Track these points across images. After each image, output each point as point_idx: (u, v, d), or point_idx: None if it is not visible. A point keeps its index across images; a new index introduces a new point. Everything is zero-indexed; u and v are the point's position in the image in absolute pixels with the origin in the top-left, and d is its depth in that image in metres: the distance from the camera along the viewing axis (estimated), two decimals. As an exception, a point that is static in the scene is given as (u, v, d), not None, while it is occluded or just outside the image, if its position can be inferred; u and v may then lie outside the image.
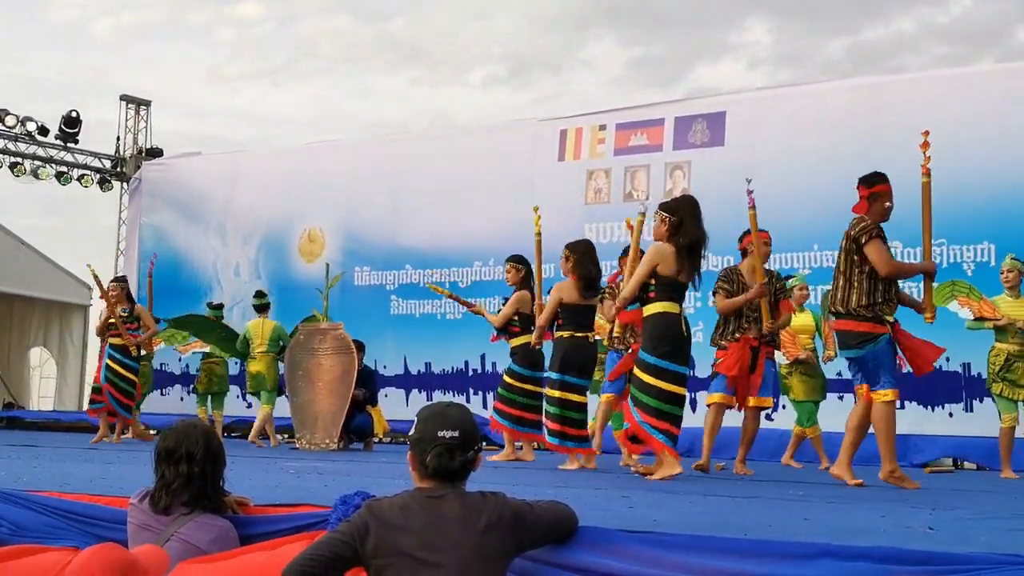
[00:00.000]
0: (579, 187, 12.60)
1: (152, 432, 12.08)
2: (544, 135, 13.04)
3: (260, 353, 11.15)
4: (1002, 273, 8.08)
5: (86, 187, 16.80)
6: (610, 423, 8.62)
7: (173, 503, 3.58)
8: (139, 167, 16.59)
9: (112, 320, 10.74)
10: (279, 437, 11.50)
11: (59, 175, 16.52)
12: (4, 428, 15.13)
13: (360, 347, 10.40)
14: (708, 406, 7.44)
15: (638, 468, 6.69)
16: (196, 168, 16.08)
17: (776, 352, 7.92)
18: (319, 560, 2.87)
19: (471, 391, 12.69)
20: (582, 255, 7.70)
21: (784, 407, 10.00)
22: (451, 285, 13.31)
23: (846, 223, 6.30)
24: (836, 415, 8.62)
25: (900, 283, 6.30)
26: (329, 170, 14.54)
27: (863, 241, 6.03)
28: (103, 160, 17.07)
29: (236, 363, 14.34)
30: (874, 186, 6.20)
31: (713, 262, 11.30)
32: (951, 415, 10.30)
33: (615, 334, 7.90)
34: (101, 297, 11.09)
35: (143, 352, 11.15)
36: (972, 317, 8.15)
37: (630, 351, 7.15)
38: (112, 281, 11.27)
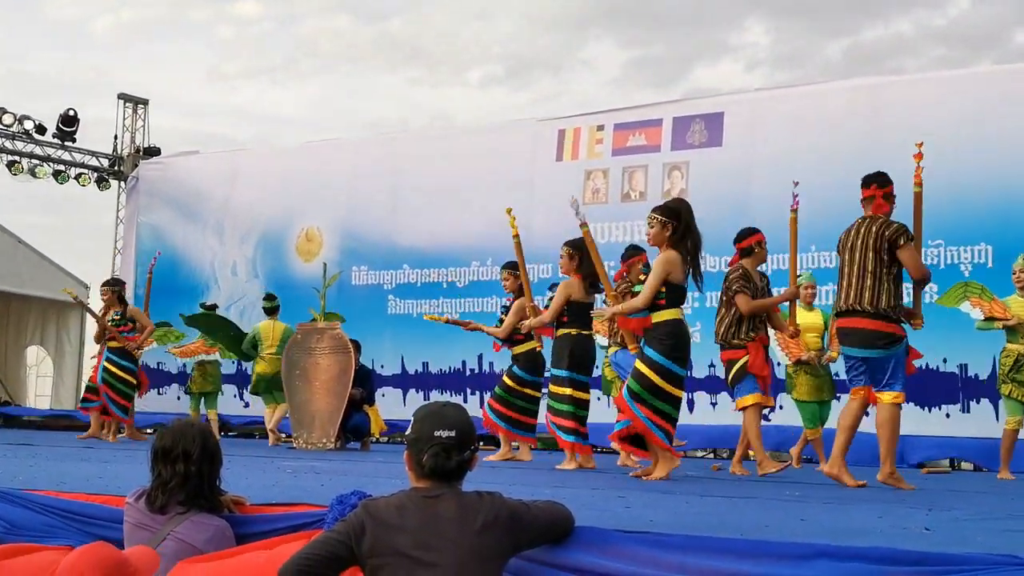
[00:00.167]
0: (577, 187, 12.59)
1: (148, 431, 12.08)
2: (542, 135, 13.04)
3: (270, 355, 11.17)
4: (1014, 273, 8.04)
5: (83, 186, 16.78)
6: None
7: (169, 502, 3.58)
8: (136, 166, 16.58)
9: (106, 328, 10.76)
10: (281, 435, 11.53)
11: (56, 174, 16.50)
12: (0, 427, 15.12)
13: (356, 346, 10.40)
14: (742, 410, 7.29)
15: (637, 472, 6.68)
16: (194, 167, 16.07)
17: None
18: (315, 559, 2.87)
19: (468, 391, 12.70)
20: (586, 252, 7.68)
21: (782, 407, 10.01)
22: (449, 285, 13.32)
23: (844, 224, 6.30)
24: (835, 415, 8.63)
25: None
26: (327, 169, 14.53)
27: (900, 243, 6.05)
28: (101, 159, 17.05)
29: (233, 363, 14.37)
30: (887, 186, 6.25)
31: (711, 263, 11.32)
32: (948, 416, 10.30)
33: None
34: (93, 317, 11.14)
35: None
36: (982, 318, 8.13)
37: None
38: (103, 286, 11.26)
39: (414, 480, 2.99)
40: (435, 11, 38.04)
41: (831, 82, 12.46)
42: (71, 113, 16.37)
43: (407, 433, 3.04)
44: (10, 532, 3.94)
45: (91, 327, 12.05)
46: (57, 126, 16.36)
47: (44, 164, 16.41)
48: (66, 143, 16.55)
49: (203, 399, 12.27)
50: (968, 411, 10.22)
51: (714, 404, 11.42)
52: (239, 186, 15.25)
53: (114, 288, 11.08)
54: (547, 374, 8.00)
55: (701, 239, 6.48)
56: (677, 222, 6.40)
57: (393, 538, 2.85)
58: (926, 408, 10.28)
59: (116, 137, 17.16)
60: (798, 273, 7.62)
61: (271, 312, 11.59)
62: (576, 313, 7.67)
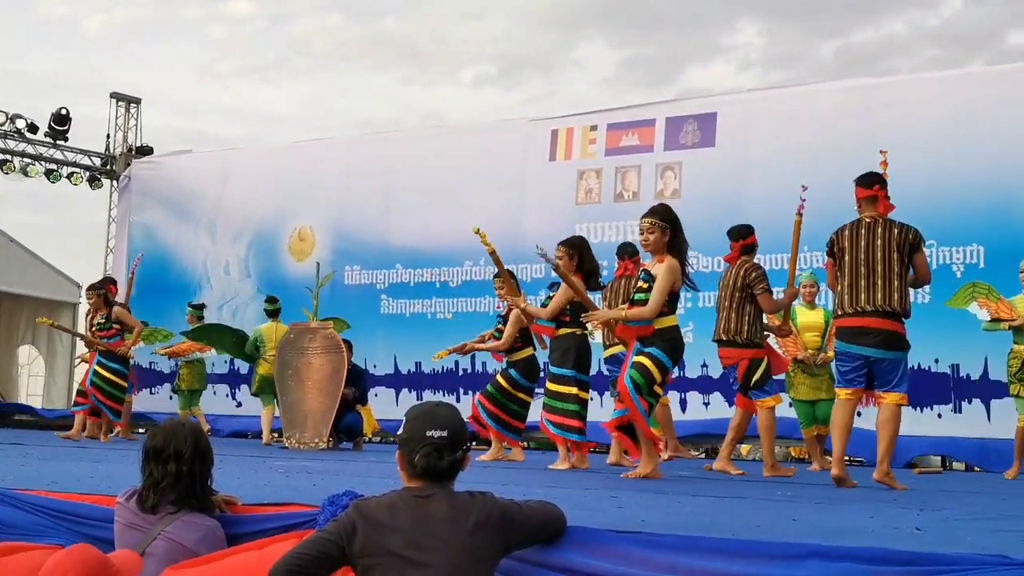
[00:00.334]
0: (570, 187, 12.61)
1: (139, 431, 12.06)
2: (535, 135, 13.05)
3: (272, 356, 11.17)
4: (1021, 272, 8.05)
5: (75, 185, 16.75)
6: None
7: (161, 502, 3.57)
8: (129, 165, 16.55)
9: (96, 333, 10.71)
10: (273, 434, 11.53)
11: (48, 172, 16.46)
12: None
13: (349, 346, 10.39)
14: (764, 410, 7.32)
15: (629, 473, 6.69)
16: (186, 166, 16.05)
17: None
18: (306, 559, 2.87)
19: (461, 391, 12.70)
20: (584, 250, 7.68)
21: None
22: (442, 285, 13.32)
23: (835, 224, 6.31)
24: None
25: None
26: (320, 169, 14.53)
27: (921, 247, 6.12)
28: (93, 158, 17.02)
29: (225, 362, 14.36)
30: (887, 186, 6.26)
31: (704, 263, 11.34)
32: (940, 416, 10.33)
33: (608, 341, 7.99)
34: (75, 335, 11.08)
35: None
36: (988, 318, 8.13)
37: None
38: (88, 289, 11.20)
39: (406, 480, 2.99)
40: (428, 10, 38.04)
41: (824, 83, 12.48)
42: (63, 112, 16.35)
43: (399, 433, 3.04)
44: (0, 531, 3.93)
45: (83, 327, 11.99)
46: (49, 125, 16.33)
47: (36, 163, 16.37)
48: (58, 142, 16.52)
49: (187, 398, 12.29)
50: (960, 411, 10.25)
51: (707, 404, 11.43)
52: (231, 185, 15.23)
53: (99, 291, 10.96)
54: (547, 373, 7.92)
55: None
56: (674, 228, 6.42)
57: (384, 538, 2.84)
58: (918, 408, 10.30)
59: (108, 136, 17.13)
60: (798, 272, 7.66)
61: (273, 314, 11.64)
62: (578, 313, 7.66)
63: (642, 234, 6.45)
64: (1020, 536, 3.32)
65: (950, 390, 10.30)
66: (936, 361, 10.28)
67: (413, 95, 38.76)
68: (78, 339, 15.72)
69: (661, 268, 6.37)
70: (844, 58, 34.65)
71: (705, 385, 11.34)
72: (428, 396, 12.88)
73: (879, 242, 6.06)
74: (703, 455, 11.90)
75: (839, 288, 6.16)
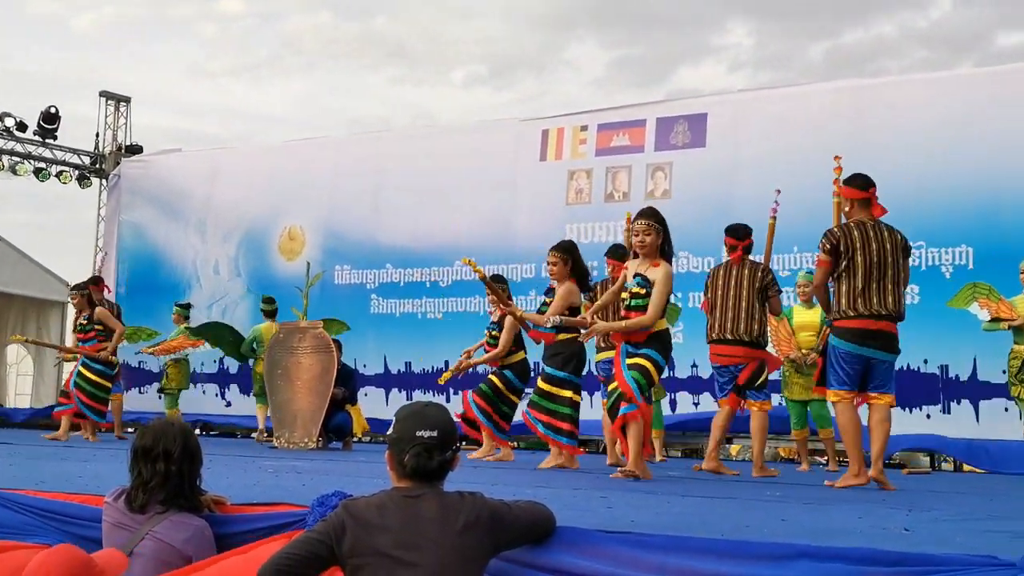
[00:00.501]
0: (561, 187, 12.61)
1: (129, 430, 12.03)
2: (526, 135, 13.04)
3: None
4: (1021, 273, 8.06)
5: (65, 183, 16.70)
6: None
7: (150, 502, 3.56)
8: (118, 164, 16.51)
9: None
10: (263, 432, 11.53)
11: (37, 171, 16.41)
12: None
13: (338, 346, 10.38)
14: (761, 412, 7.39)
15: (617, 473, 6.69)
16: (176, 165, 16.01)
17: None
18: (295, 559, 2.86)
19: (451, 391, 12.66)
20: (575, 254, 7.71)
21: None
22: (432, 285, 13.31)
23: (825, 225, 6.31)
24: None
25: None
26: (310, 168, 14.50)
27: (911, 251, 6.16)
28: (82, 156, 16.97)
29: (215, 361, 14.34)
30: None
31: (694, 263, 11.37)
32: (929, 417, 10.35)
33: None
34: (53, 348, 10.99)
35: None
36: (988, 318, 8.14)
37: None
38: (72, 289, 11.13)
39: (395, 480, 2.99)
40: (418, 10, 38.05)
41: (814, 84, 12.49)
42: (52, 110, 16.29)
43: (389, 433, 3.04)
44: (-12, 531, 3.92)
45: (73, 326, 11.92)
46: (38, 123, 16.27)
47: (25, 161, 16.32)
48: (47, 140, 16.46)
49: (167, 397, 12.28)
50: (949, 412, 10.28)
51: (696, 404, 11.44)
52: (221, 184, 15.20)
53: (82, 292, 10.89)
54: (541, 372, 7.88)
55: None
56: (665, 231, 6.44)
57: (374, 538, 2.84)
58: (907, 409, 10.32)
59: (98, 135, 17.09)
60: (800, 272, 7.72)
61: (270, 314, 11.64)
62: (574, 317, 7.71)
63: (637, 235, 6.42)
64: (1008, 536, 3.32)
65: (939, 391, 10.33)
66: (925, 362, 10.30)
67: (403, 94, 38.78)
68: (66, 339, 15.73)
69: (659, 274, 6.34)
70: (834, 59, 34.75)
71: (695, 385, 11.35)
72: (418, 396, 12.87)
73: (888, 246, 6.07)
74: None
75: (846, 288, 6.00)
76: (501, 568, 3.02)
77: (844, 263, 6.02)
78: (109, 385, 10.75)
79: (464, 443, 9.45)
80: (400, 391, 13.25)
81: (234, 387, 14.43)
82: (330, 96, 39.79)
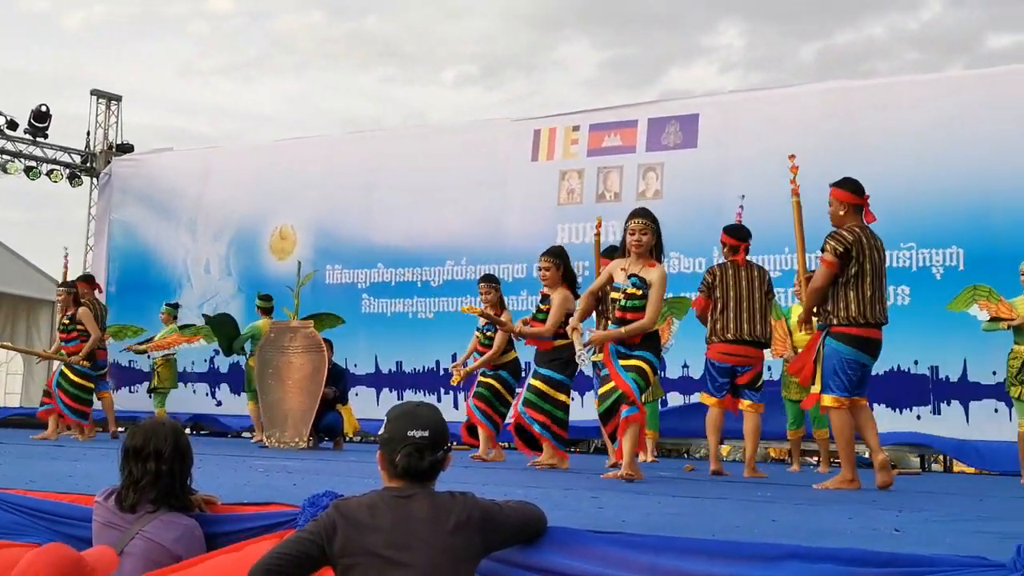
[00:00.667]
0: (552, 187, 12.61)
1: (120, 430, 12.00)
2: (518, 135, 13.04)
3: None
4: (1022, 274, 8.08)
5: (55, 182, 16.65)
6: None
7: (140, 501, 3.56)
8: (109, 162, 16.47)
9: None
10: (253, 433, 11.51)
11: (28, 170, 16.36)
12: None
13: (329, 345, 10.37)
14: (756, 414, 7.46)
15: (609, 474, 6.69)
16: (167, 164, 15.98)
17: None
18: (286, 559, 2.86)
19: (442, 391, 12.68)
20: (567, 260, 7.80)
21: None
22: (423, 284, 13.30)
23: (818, 226, 6.32)
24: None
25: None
26: (302, 167, 14.48)
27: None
28: (73, 155, 16.93)
29: (205, 360, 14.32)
30: None
31: (686, 263, 11.38)
32: (919, 418, 10.37)
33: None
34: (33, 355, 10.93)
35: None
36: (987, 319, 8.16)
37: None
38: (59, 287, 11.06)
39: (387, 480, 2.99)
40: (410, 9, 38.04)
41: (805, 85, 12.51)
42: (43, 109, 16.24)
43: (380, 433, 3.03)
44: (-22, 531, 3.91)
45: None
46: (29, 121, 16.22)
47: (15, 160, 16.26)
48: (38, 139, 16.41)
49: (153, 396, 12.26)
50: (939, 413, 10.30)
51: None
52: (212, 183, 15.17)
53: (68, 289, 10.84)
54: (536, 373, 7.88)
55: None
56: (659, 231, 6.44)
57: (365, 538, 2.84)
58: (897, 409, 10.36)
59: (89, 133, 17.04)
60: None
61: (267, 312, 11.62)
62: (567, 322, 7.77)
63: (634, 234, 6.37)
64: (998, 537, 3.33)
65: (929, 391, 10.35)
66: (915, 363, 10.33)
67: (395, 94, 38.78)
68: (56, 338, 15.68)
69: (657, 276, 6.32)
70: (825, 60, 34.84)
71: (686, 385, 11.35)
72: (409, 396, 12.86)
73: (883, 253, 6.11)
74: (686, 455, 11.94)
75: (855, 295, 5.96)
76: (492, 568, 3.02)
77: (854, 268, 5.97)
78: (91, 386, 10.67)
79: (454, 444, 9.46)
80: (391, 391, 13.24)
81: (225, 386, 14.40)
82: (321, 95, 39.78)
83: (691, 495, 5.30)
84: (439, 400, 12.51)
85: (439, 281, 13.21)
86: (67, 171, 16.76)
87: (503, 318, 8.48)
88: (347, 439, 11.18)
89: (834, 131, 11.05)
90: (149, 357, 12.64)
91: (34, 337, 17.45)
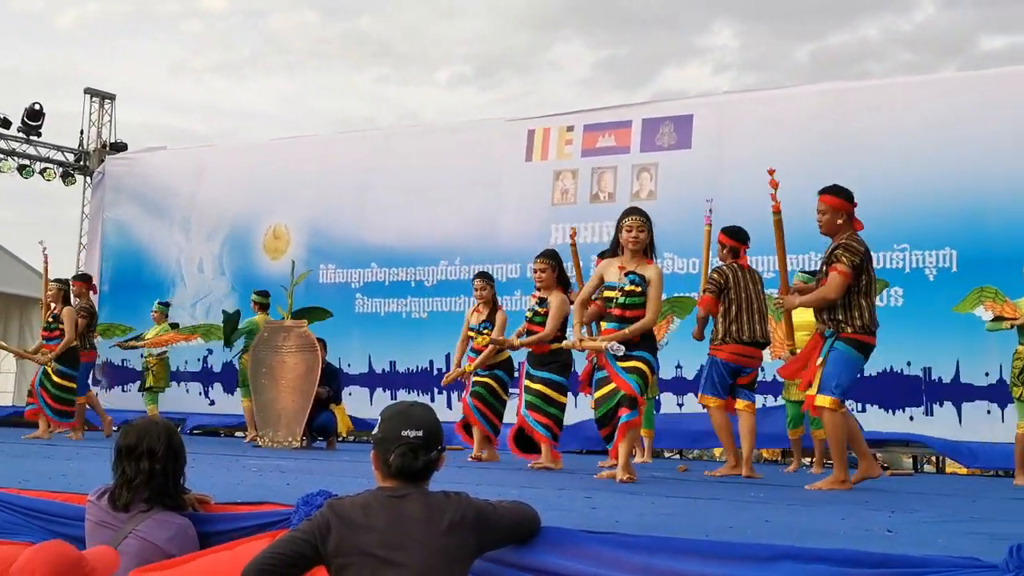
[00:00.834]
0: (546, 187, 12.62)
1: (115, 429, 11.97)
2: (512, 135, 13.04)
3: None
4: None
5: (49, 180, 16.61)
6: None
7: (133, 500, 3.55)
8: (103, 161, 16.44)
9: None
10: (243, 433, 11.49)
11: (21, 168, 16.31)
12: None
13: (323, 345, 10.36)
14: (751, 414, 7.51)
15: (602, 474, 6.70)
16: (161, 163, 15.95)
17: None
18: (279, 558, 2.86)
19: (436, 391, 12.66)
20: (561, 262, 7.86)
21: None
22: (417, 284, 13.29)
23: (810, 228, 6.33)
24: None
25: None
26: (295, 166, 14.46)
27: None
28: (66, 153, 16.89)
29: (198, 360, 14.30)
30: None
31: (679, 264, 11.39)
32: (911, 419, 10.39)
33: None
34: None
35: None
36: (991, 318, 8.17)
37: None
38: (52, 280, 11.03)
39: (380, 479, 2.99)
40: (404, 9, 38.03)
41: (799, 86, 12.52)
42: (36, 107, 16.21)
43: (374, 432, 3.03)
44: (-29, 530, 3.90)
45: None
46: (22, 120, 16.19)
47: (9, 158, 16.22)
48: (31, 137, 16.38)
49: (145, 395, 12.23)
50: (931, 414, 10.32)
51: (680, 405, 11.45)
52: (206, 182, 15.15)
53: (61, 286, 10.79)
54: (535, 376, 7.87)
55: None
56: (652, 231, 6.45)
57: (359, 537, 2.84)
58: (889, 410, 10.38)
59: (82, 132, 17.01)
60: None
61: (264, 308, 11.60)
62: (566, 324, 7.80)
63: (631, 231, 6.35)
64: (990, 538, 3.34)
65: (921, 392, 10.37)
66: (908, 364, 10.34)
67: (388, 94, 38.77)
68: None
69: (656, 274, 6.32)
70: (819, 61, 34.90)
71: (679, 386, 11.36)
72: (403, 396, 12.86)
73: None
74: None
75: (867, 304, 6.02)
76: (485, 568, 3.03)
77: (864, 278, 6.02)
78: (73, 386, 10.58)
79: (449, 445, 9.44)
80: (385, 391, 13.23)
81: (218, 386, 14.38)
82: (315, 95, 39.78)
83: (684, 495, 5.31)
84: (433, 400, 12.49)
85: (433, 281, 13.20)
86: (60, 170, 16.72)
87: (497, 316, 8.55)
88: (340, 439, 11.18)
89: (828, 132, 11.07)
90: (142, 356, 12.62)
91: (27, 336, 17.42)
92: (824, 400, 6.02)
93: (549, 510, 3.40)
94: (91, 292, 11.15)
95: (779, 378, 8.21)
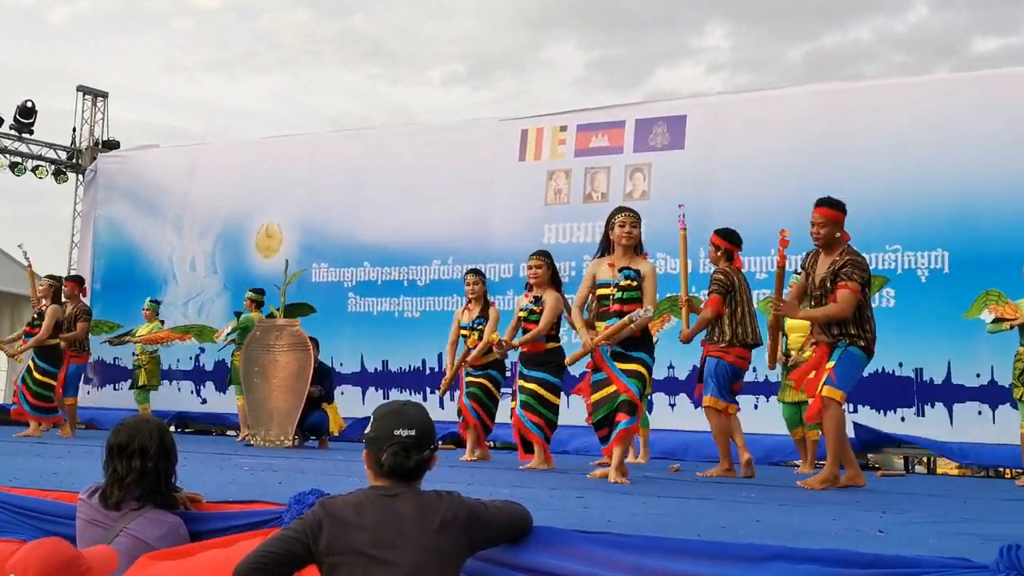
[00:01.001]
0: (539, 187, 12.62)
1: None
2: (505, 134, 13.04)
3: None
4: None
5: (41, 178, 16.57)
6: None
7: (125, 498, 3.55)
8: (95, 159, 16.40)
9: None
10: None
11: (13, 165, 16.27)
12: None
13: (315, 344, 10.35)
14: (735, 415, 7.57)
15: (596, 473, 6.70)
16: (153, 161, 15.93)
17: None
18: (271, 557, 2.85)
19: (428, 390, 12.67)
20: (553, 262, 7.83)
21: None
22: (410, 283, 13.28)
23: (806, 227, 6.34)
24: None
25: None
26: (288, 165, 14.45)
27: None
28: (59, 151, 16.85)
29: (190, 358, 14.27)
30: None
31: (672, 264, 11.37)
32: (903, 419, 10.41)
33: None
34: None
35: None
36: (991, 319, 8.18)
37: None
38: (46, 276, 11.01)
39: (373, 479, 2.98)
40: (396, 8, 38.02)
41: (792, 87, 12.54)
42: (29, 104, 16.17)
43: (366, 431, 3.03)
44: (-39, 528, 3.89)
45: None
46: (15, 117, 16.14)
47: (1, 156, 16.18)
48: (23, 135, 16.33)
49: (137, 393, 12.21)
50: (923, 415, 10.35)
51: (672, 406, 11.46)
52: (198, 181, 15.13)
53: (53, 283, 10.77)
54: (530, 376, 7.87)
55: None
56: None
57: (351, 536, 2.83)
58: (881, 411, 10.40)
59: (75, 130, 16.97)
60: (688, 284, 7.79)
61: (259, 305, 11.58)
62: (558, 323, 7.81)
63: (624, 227, 6.35)
64: (981, 539, 3.35)
65: (913, 393, 10.40)
66: (900, 365, 10.37)
67: (381, 93, 38.74)
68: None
69: (648, 269, 6.32)
70: (812, 62, 34.97)
71: (672, 386, 11.37)
72: (395, 395, 12.85)
73: None
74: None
75: (870, 314, 6.18)
76: (477, 567, 3.03)
77: (866, 291, 6.16)
78: (53, 383, 10.55)
79: (441, 443, 9.45)
80: (377, 390, 13.22)
81: (210, 384, 14.37)
82: (308, 93, 39.73)
83: (677, 495, 5.31)
84: (425, 399, 12.49)
85: (425, 280, 13.20)
86: (53, 167, 16.68)
87: (490, 312, 8.53)
88: (332, 438, 11.16)
89: (821, 133, 11.09)
90: (134, 354, 12.60)
91: (17, 333, 17.35)
92: (835, 393, 6.06)
93: (541, 510, 3.40)
94: (82, 294, 11.15)
95: (775, 379, 8.26)
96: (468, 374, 8.52)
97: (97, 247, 15.70)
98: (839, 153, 10.74)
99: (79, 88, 17.08)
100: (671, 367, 11.33)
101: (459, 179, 13.07)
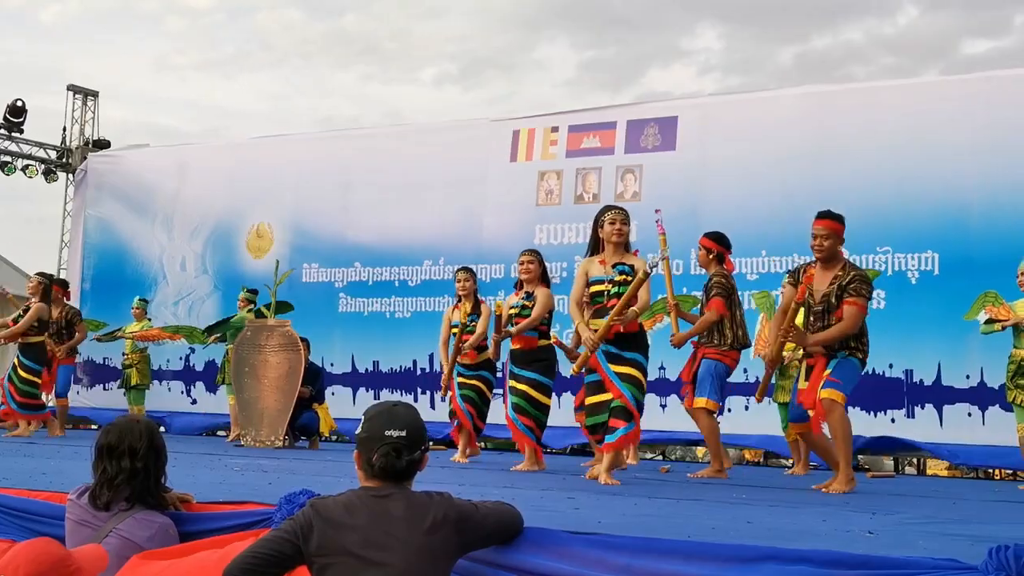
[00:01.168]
0: (530, 188, 12.61)
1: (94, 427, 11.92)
2: (497, 135, 13.03)
3: None
4: (1019, 276, 8.11)
5: (31, 178, 16.50)
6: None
7: (114, 499, 3.54)
8: (85, 158, 16.35)
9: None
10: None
11: (3, 165, 16.20)
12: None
13: (306, 344, 10.34)
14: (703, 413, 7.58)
15: (590, 473, 6.70)
16: (143, 160, 15.88)
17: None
18: (261, 558, 2.85)
19: (419, 390, 12.66)
20: (543, 260, 7.88)
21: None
22: (401, 284, 13.27)
23: (798, 229, 6.36)
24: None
25: None
26: (279, 165, 14.41)
27: None
28: (48, 150, 16.80)
29: (180, 358, 14.24)
30: None
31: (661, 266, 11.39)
32: (893, 421, 10.43)
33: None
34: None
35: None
36: (985, 319, 8.19)
37: None
38: (36, 273, 10.97)
39: (364, 479, 2.98)
40: (388, 8, 37.99)
41: (784, 88, 12.55)
42: (19, 103, 16.12)
43: (357, 432, 3.03)
44: (-50, 528, 3.88)
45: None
46: (4, 116, 16.08)
47: (-10, 155, 16.14)
48: (13, 134, 16.28)
49: (131, 394, 12.18)
50: (913, 416, 10.37)
51: (664, 407, 11.46)
52: (189, 180, 15.09)
53: (43, 280, 10.76)
54: (522, 377, 7.86)
55: None
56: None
57: (341, 537, 2.83)
58: (871, 412, 10.41)
59: (65, 129, 16.92)
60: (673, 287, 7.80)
61: (252, 304, 11.57)
62: (550, 321, 7.82)
63: (615, 224, 6.38)
64: (970, 540, 3.36)
65: (903, 395, 10.42)
66: (890, 366, 10.38)
67: (373, 93, 38.72)
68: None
69: (641, 264, 6.32)
70: (803, 64, 35.04)
71: (662, 387, 11.37)
72: (386, 395, 12.83)
73: None
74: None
75: (865, 328, 6.28)
76: (468, 568, 3.03)
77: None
78: (37, 380, 10.54)
79: (432, 443, 9.41)
80: (367, 390, 13.20)
81: (200, 384, 14.33)
82: (299, 93, 39.68)
83: (667, 496, 5.31)
84: (416, 400, 12.48)
85: (417, 281, 13.18)
86: (42, 167, 16.62)
87: (483, 309, 8.51)
88: (323, 438, 11.16)
89: (812, 134, 11.10)
90: (124, 354, 12.57)
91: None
92: (836, 395, 6.08)
93: (532, 510, 3.40)
94: (65, 298, 11.15)
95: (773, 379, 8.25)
96: (460, 374, 8.47)
97: (87, 247, 15.65)
98: (830, 154, 10.75)
99: (69, 87, 17.03)
100: (662, 368, 11.33)
101: (450, 180, 13.06)
